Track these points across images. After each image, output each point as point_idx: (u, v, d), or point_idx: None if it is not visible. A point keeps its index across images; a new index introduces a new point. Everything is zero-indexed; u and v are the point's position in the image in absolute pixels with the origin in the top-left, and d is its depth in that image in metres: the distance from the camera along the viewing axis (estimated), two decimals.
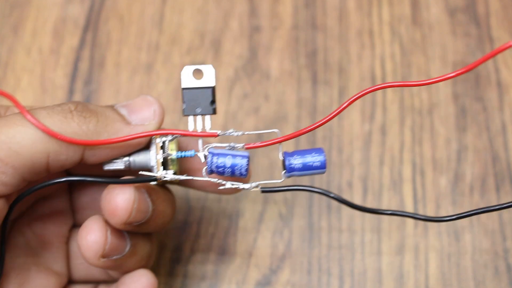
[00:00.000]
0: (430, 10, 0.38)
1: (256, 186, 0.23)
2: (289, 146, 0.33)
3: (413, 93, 0.35)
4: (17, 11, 0.39)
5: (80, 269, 0.27)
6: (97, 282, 0.27)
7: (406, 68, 0.36)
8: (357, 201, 0.32)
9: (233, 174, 0.22)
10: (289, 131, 0.34)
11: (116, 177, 0.23)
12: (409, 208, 0.32)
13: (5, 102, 0.35)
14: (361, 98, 0.35)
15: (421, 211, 0.32)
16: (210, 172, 0.23)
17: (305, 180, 0.33)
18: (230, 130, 0.23)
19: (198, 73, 0.24)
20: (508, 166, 0.33)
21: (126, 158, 0.23)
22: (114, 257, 0.23)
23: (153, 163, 0.23)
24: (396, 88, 0.36)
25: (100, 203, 0.23)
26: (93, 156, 0.23)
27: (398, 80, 0.36)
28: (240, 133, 0.23)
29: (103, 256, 0.23)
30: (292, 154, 0.23)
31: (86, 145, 0.22)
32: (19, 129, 0.21)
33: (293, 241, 0.32)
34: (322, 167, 0.22)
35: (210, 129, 0.23)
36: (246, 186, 0.23)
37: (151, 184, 0.24)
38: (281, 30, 0.38)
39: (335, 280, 0.31)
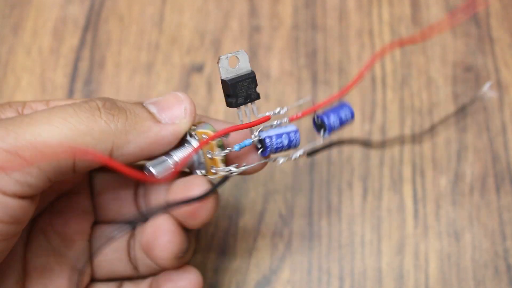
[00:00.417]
0: (430, 10, 0.38)
1: (303, 153, 0.24)
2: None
3: (413, 93, 0.35)
4: (17, 11, 0.39)
5: (103, 267, 0.26)
6: (121, 278, 0.26)
7: (406, 68, 0.36)
8: (357, 201, 0.32)
9: (288, 149, 0.23)
10: None
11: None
12: (409, 208, 0.32)
13: (6, 99, 0.35)
14: (361, 98, 0.35)
15: (421, 211, 0.32)
16: (268, 154, 0.23)
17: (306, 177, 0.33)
18: (277, 109, 0.23)
19: (233, 62, 0.23)
20: (508, 166, 0.33)
21: (169, 159, 0.22)
22: (180, 255, 0.23)
23: (202, 160, 0.22)
24: (396, 88, 0.36)
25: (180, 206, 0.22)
26: (121, 157, 0.22)
27: (398, 80, 0.36)
28: (285, 109, 0.23)
29: (177, 255, 0.22)
30: (327, 114, 0.24)
31: (115, 144, 0.21)
32: (45, 128, 0.20)
33: (293, 241, 0.32)
34: (353, 116, 0.24)
35: (258, 114, 0.23)
36: (297, 154, 0.23)
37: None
38: (281, 30, 0.38)
39: (335, 280, 0.31)
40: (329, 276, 0.31)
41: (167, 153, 0.23)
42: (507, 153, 0.33)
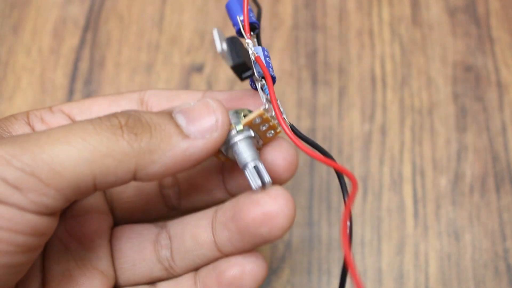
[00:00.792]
0: (430, 10, 0.38)
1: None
2: None
3: (413, 93, 0.35)
4: (17, 11, 0.39)
5: (127, 269, 0.25)
6: (150, 282, 0.25)
7: (406, 68, 0.36)
8: (357, 201, 0.32)
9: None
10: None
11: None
12: (409, 208, 0.32)
13: (4, 106, 0.35)
14: (361, 98, 0.35)
15: (421, 211, 0.32)
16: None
17: (306, 176, 0.33)
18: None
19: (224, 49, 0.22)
20: (508, 166, 0.33)
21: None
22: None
23: (251, 142, 0.23)
24: (396, 88, 0.36)
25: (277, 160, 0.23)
26: (146, 176, 0.20)
27: (398, 80, 0.36)
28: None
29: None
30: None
31: (139, 165, 0.20)
32: (63, 148, 0.19)
33: (293, 241, 0.32)
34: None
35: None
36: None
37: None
38: (281, 30, 0.38)
39: (335, 280, 0.31)
40: (329, 276, 0.31)
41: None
42: (507, 153, 0.33)
